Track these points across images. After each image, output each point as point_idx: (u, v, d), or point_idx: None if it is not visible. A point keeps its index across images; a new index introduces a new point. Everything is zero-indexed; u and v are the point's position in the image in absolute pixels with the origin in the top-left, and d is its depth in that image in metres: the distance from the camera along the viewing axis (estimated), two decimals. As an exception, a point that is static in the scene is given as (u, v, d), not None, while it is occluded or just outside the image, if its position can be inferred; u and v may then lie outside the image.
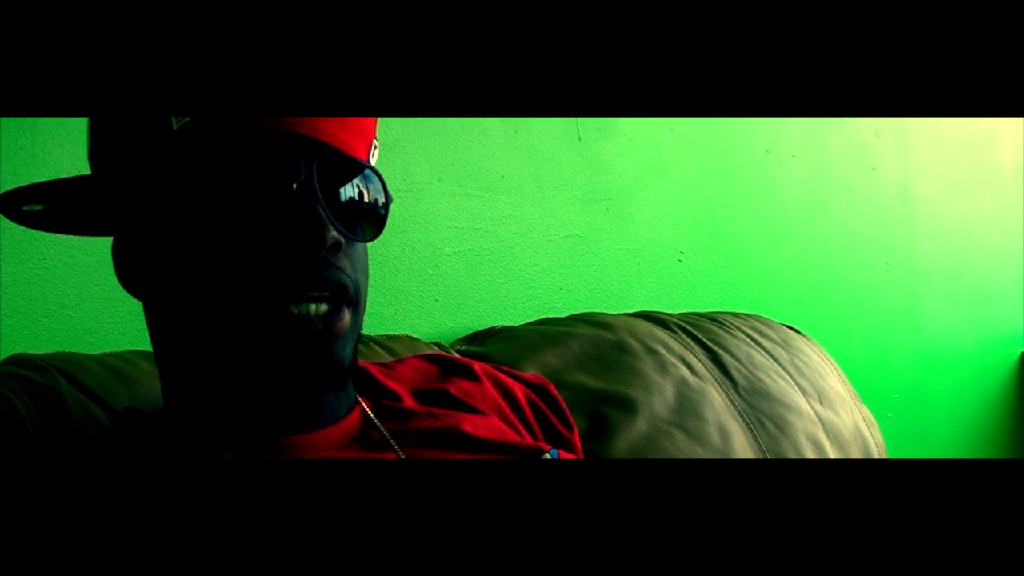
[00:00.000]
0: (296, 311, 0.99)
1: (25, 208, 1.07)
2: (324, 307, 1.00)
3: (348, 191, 1.03)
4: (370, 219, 1.07)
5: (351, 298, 1.03)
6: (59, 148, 1.52)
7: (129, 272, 1.08)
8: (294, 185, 0.99)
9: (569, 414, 1.33)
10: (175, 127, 1.00)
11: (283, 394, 1.05)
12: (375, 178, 1.06)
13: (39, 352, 1.33)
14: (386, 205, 1.08)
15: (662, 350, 1.82)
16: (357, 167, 1.05)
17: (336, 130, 1.04)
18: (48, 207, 1.08)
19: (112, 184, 1.05)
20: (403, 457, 1.10)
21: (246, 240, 0.99)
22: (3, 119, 1.47)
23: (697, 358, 1.85)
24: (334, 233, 0.99)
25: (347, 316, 1.03)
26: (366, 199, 1.05)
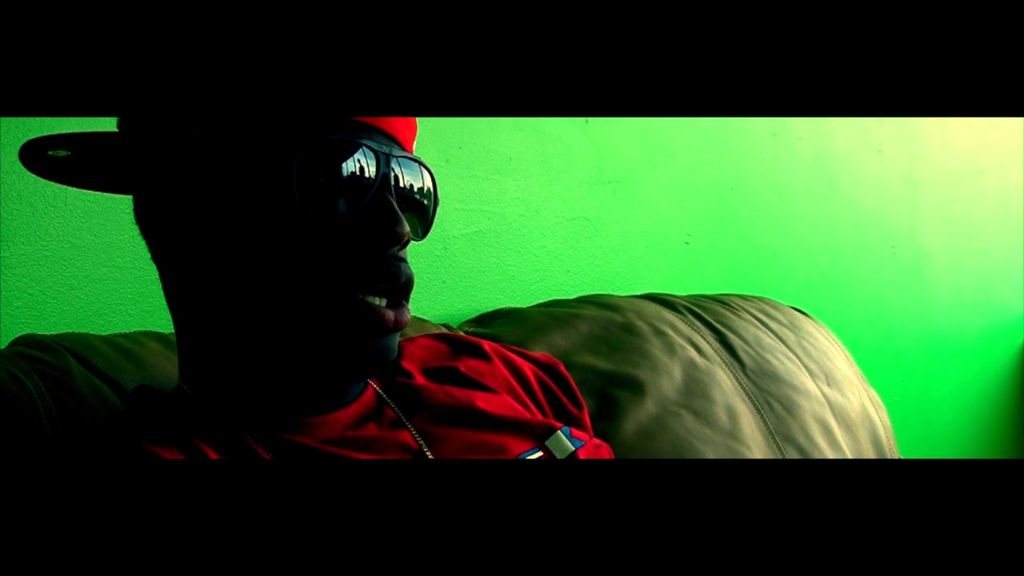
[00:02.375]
0: (364, 299, 1.00)
1: (50, 152, 1.06)
2: (385, 301, 1.02)
3: (412, 189, 1.05)
4: (422, 219, 1.09)
5: (408, 293, 1.05)
6: (66, 132, 1.51)
7: (168, 242, 1.06)
8: (375, 179, 1.01)
9: (579, 393, 1.34)
10: None
11: (326, 378, 1.06)
12: (431, 181, 1.09)
13: (48, 333, 1.33)
14: (434, 208, 1.10)
15: (670, 332, 1.82)
16: (422, 167, 1.08)
17: (401, 127, 1.07)
18: (74, 154, 1.07)
19: (165, 151, 1.04)
20: (416, 434, 1.10)
21: (324, 227, 0.99)
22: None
23: (705, 340, 1.85)
24: (407, 229, 1.01)
25: (408, 311, 1.05)
26: (423, 200, 1.07)
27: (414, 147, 1.12)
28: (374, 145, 1.01)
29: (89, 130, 1.05)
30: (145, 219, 1.07)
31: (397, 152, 1.04)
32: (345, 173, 0.99)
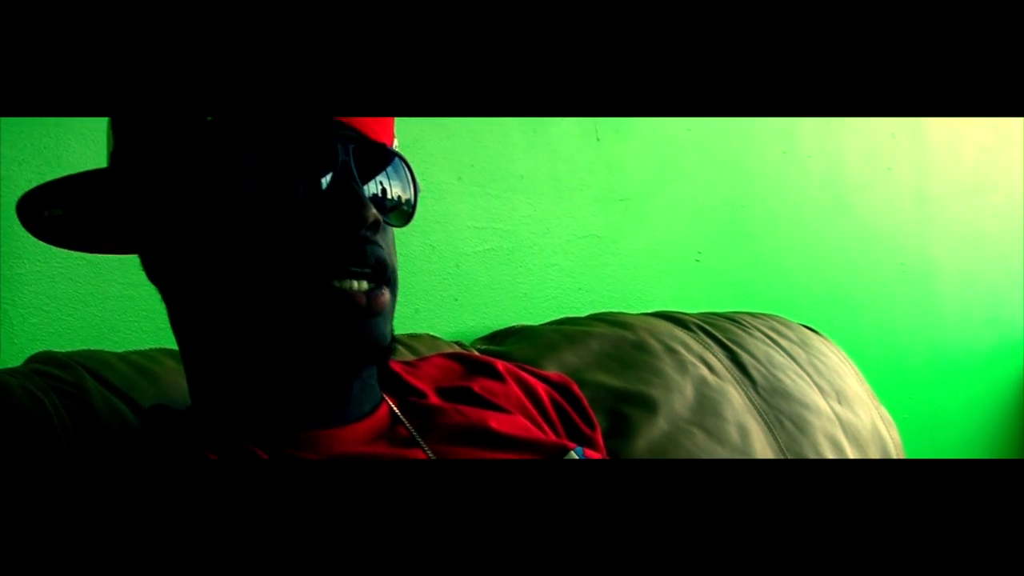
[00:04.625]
0: (339, 286, 1.00)
1: (46, 214, 1.07)
2: (365, 284, 1.02)
3: (380, 175, 1.05)
4: (400, 205, 1.09)
5: (389, 276, 1.05)
6: (83, 148, 1.52)
7: (158, 263, 1.08)
8: (333, 166, 1.01)
9: (592, 413, 1.34)
10: (209, 118, 1.01)
11: (322, 375, 1.06)
12: (403, 166, 1.09)
13: (63, 350, 1.33)
14: (414, 193, 1.09)
15: (681, 349, 1.82)
16: (389, 154, 1.08)
17: (367, 118, 1.06)
18: (68, 209, 1.08)
19: (141, 173, 1.06)
20: (430, 453, 1.10)
21: (287, 219, 0.99)
22: (25, 119, 1.47)
23: (716, 357, 1.85)
24: (374, 211, 1.01)
25: (387, 293, 1.04)
26: (397, 185, 1.07)
27: (395, 142, 1.13)
28: (334, 134, 1.02)
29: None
30: (141, 246, 1.09)
31: (365, 142, 1.04)
32: (303, 164, 1.00)
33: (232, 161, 1.01)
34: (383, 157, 1.07)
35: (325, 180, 1.01)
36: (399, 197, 1.08)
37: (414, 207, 1.10)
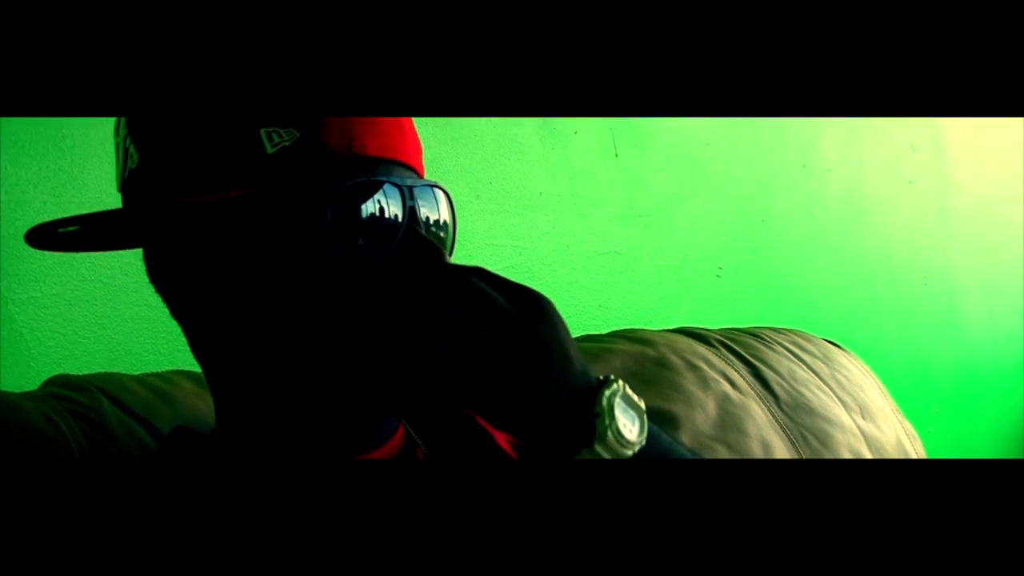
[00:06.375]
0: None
1: (60, 230, 1.05)
2: None
3: (433, 214, 1.03)
4: (446, 241, 1.06)
5: None
6: (98, 170, 1.52)
7: (192, 302, 1.03)
8: (401, 213, 0.99)
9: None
10: (269, 151, 0.98)
11: (374, 417, 1.05)
12: (447, 200, 1.06)
13: (80, 373, 1.33)
14: (455, 226, 1.08)
15: (703, 366, 1.81)
16: (435, 189, 1.05)
17: (412, 151, 1.04)
18: (85, 225, 1.06)
19: (183, 208, 1.00)
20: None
21: (363, 274, 0.97)
22: (42, 141, 1.47)
23: (738, 373, 1.84)
24: (447, 259, 0.98)
25: None
26: (444, 223, 1.05)
27: (424, 170, 1.12)
28: (396, 180, 0.99)
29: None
30: (162, 278, 1.06)
31: (416, 182, 1.02)
32: (375, 214, 0.98)
33: (302, 202, 0.97)
34: (436, 196, 1.04)
35: (395, 230, 0.98)
36: (443, 235, 1.06)
37: (454, 242, 1.09)
